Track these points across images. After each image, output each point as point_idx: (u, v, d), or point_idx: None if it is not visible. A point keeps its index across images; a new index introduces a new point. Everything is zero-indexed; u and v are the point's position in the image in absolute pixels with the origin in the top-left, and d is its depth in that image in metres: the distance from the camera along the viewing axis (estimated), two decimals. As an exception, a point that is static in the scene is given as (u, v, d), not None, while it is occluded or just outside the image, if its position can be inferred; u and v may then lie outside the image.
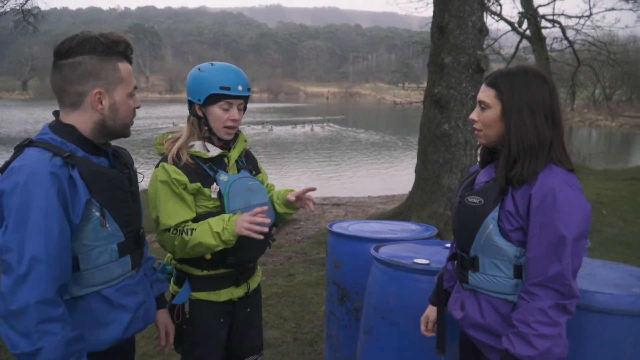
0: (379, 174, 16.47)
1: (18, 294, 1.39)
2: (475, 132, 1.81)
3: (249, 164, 2.33)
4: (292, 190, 2.36)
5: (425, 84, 6.89)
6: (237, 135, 2.26)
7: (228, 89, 2.09)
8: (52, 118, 1.68)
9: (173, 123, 33.53)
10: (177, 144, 2.13)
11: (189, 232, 2.05)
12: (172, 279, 2.27)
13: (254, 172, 2.32)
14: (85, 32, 1.61)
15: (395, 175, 15.85)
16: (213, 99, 2.10)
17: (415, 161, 6.78)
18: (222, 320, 2.24)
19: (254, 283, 2.34)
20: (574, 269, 1.58)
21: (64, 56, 1.58)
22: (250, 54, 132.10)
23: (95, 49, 1.58)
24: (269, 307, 4.47)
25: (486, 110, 1.75)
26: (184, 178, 2.07)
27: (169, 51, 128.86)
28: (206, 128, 2.17)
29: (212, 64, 2.17)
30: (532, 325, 1.56)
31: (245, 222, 2.02)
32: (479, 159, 1.90)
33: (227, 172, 2.19)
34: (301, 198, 2.30)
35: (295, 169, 16.98)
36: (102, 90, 1.59)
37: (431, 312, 2.08)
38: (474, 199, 1.75)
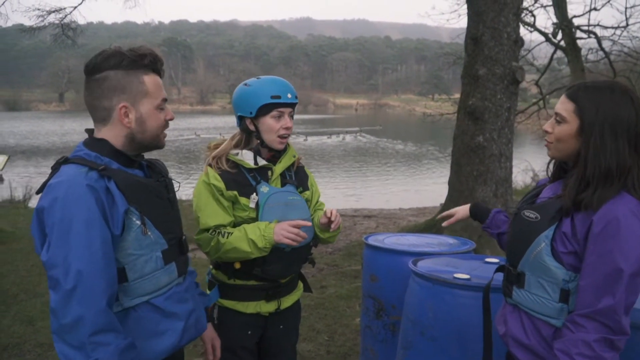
0: (411, 186, 16.33)
1: (69, 308, 1.39)
2: (546, 143, 1.71)
3: (297, 179, 2.30)
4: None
5: (455, 95, 6.85)
6: (285, 149, 2.26)
7: (278, 97, 2.12)
8: (80, 128, 1.69)
9: (195, 134, 33.82)
10: (216, 151, 2.18)
11: (226, 235, 2.08)
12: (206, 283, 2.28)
13: (300, 189, 2.28)
14: (112, 48, 1.62)
15: (426, 186, 15.70)
16: (265, 109, 2.13)
17: (448, 173, 6.71)
18: (249, 332, 2.23)
19: (287, 301, 2.30)
20: (627, 305, 1.49)
21: (91, 72, 1.60)
22: (280, 66, 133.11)
23: (120, 63, 1.58)
24: (302, 320, 4.42)
25: (562, 124, 1.64)
26: (221, 185, 2.11)
27: (201, 63, 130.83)
28: (258, 141, 2.20)
29: (258, 78, 2.21)
30: (574, 357, 1.49)
31: (284, 231, 2.02)
32: (549, 172, 1.81)
33: (269, 184, 2.18)
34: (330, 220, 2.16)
35: (324, 179, 16.95)
36: (128, 104, 1.59)
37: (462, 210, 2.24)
38: (531, 214, 1.68)
